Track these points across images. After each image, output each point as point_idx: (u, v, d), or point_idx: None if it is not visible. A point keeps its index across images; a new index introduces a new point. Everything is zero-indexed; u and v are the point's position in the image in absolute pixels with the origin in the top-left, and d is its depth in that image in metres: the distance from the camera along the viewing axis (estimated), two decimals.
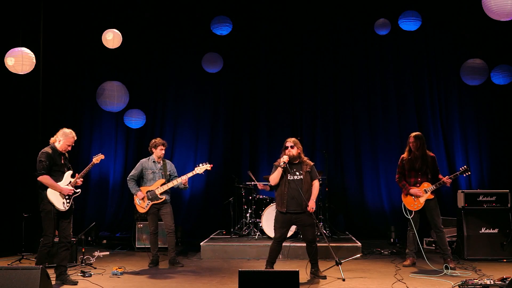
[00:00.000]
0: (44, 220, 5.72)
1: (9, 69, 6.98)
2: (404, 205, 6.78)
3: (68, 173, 5.91)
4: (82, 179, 5.89)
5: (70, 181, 5.88)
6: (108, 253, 8.28)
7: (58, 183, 5.78)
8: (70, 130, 5.85)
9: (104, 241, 9.32)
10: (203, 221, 9.84)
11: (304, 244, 6.21)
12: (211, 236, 8.68)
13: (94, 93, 8.66)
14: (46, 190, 5.68)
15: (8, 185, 8.23)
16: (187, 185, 6.99)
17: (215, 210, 9.89)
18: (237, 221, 8.89)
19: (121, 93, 8.54)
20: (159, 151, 6.98)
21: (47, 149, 5.74)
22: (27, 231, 7.77)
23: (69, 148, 5.81)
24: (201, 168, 6.92)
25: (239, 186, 8.83)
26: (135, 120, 9.24)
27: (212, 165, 7.00)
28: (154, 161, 7.02)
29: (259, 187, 8.71)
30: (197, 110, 10.09)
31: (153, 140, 7.06)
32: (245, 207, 8.74)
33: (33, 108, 8.35)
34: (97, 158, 6.14)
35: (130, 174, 6.97)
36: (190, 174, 6.95)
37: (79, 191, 5.86)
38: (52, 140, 5.86)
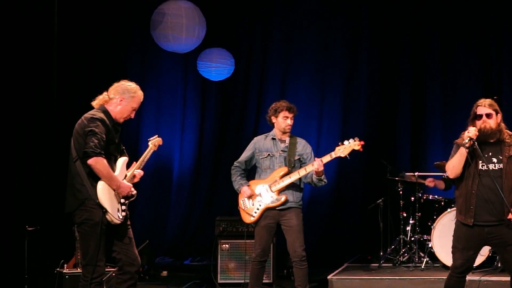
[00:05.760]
0: (86, 238, 5.38)
1: None
2: None
3: (123, 161, 5.66)
4: (141, 172, 5.76)
5: (126, 175, 5.63)
6: None
7: None
8: (135, 84, 5.67)
9: (164, 273, 9.09)
10: (332, 238, 9.74)
11: (507, 278, 6.23)
12: (346, 264, 8.52)
13: (145, 23, 8.69)
14: (97, 184, 5.33)
15: (2, 185, 8.45)
16: (322, 176, 6.61)
17: (351, 220, 9.79)
18: (390, 239, 8.75)
19: (193, 21, 8.38)
20: (281, 120, 6.76)
21: (99, 114, 5.44)
22: (33, 254, 7.71)
23: (132, 116, 5.67)
24: (345, 148, 6.52)
25: (394, 179, 8.64)
26: (217, 67, 9.07)
27: (363, 142, 6.57)
28: (274, 138, 6.86)
29: (428, 185, 8.49)
30: (324, 41, 9.98)
31: (274, 104, 6.90)
32: (404, 214, 8.51)
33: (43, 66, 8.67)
34: (154, 142, 5.89)
35: (237, 160, 6.96)
36: (327, 158, 6.56)
37: (135, 194, 5.66)
38: (100, 100, 5.57)
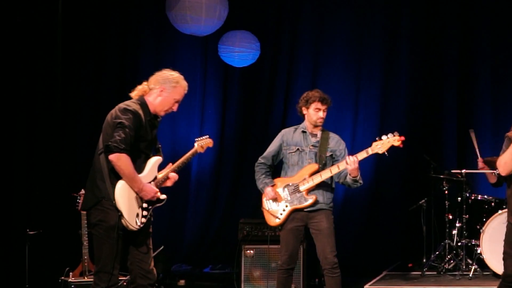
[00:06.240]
0: (100, 242, 5.23)
1: None
2: None
3: (154, 160, 5.48)
4: (176, 175, 5.62)
5: (156, 177, 5.46)
6: None
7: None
8: (178, 73, 5.50)
9: (182, 282, 8.89)
10: (369, 244, 9.45)
11: None
12: (384, 273, 8.39)
13: (160, 3, 8.56)
14: (116, 183, 5.17)
15: (1, 185, 8.24)
16: (358, 176, 6.38)
17: (391, 223, 9.52)
18: (434, 244, 8.60)
19: (214, 0, 8.28)
20: (313, 112, 6.63)
21: (134, 106, 5.31)
22: (35, 260, 7.62)
23: (175, 109, 5.53)
24: (383, 144, 6.30)
25: (438, 177, 8.48)
26: (241, 52, 8.91)
27: (403, 138, 6.35)
28: (304, 131, 6.74)
29: (479, 166, 8.36)
30: (360, 22, 9.68)
31: (305, 93, 6.79)
32: (450, 216, 8.36)
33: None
34: (201, 144, 5.86)
35: (261, 155, 6.81)
36: (363, 154, 6.36)
37: (164, 199, 5.49)
38: (139, 90, 5.45)
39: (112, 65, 9.47)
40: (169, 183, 5.62)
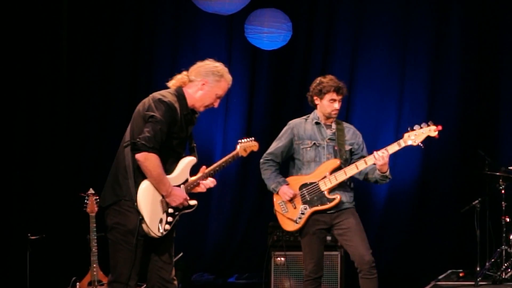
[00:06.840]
0: (115, 248, 4.98)
1: None
2: None
3: (187, 161, 5.25)
4: (213, 180, 5.39)
5: (187, 179, 5.21)
6: None
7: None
8: (223, 65, 5.28)
9: None
10: (415, 249, 9.23)
11: None
12: (433, 283, 8.17)
13: None
14: (141, 183, 4.95)
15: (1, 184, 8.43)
16: (387, 172, 6.24)
17: (440, 226, 9.30)
18: (489, 250, 8.40)
19: None
20: (327, 104, 6.37)
21: (170, 97, 5.11)
22: (37, 269, 7.62)
23: (216, 105, 5.36)
24: (417, 135, 6.14)
25: (494, 175, 8.31)
26: (270, 33, 8.79)
27: (440, 127, 6.13)
28: (318, 123, 6.49)
29: None
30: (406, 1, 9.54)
31: (318, 80, 6.50)
32: (507, 219, 8.22)
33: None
34: (245, 147, 5.51)
35: (267, 151, 6.51)
36: (394, 147, 6.18)
37: (194, 205, 5.17)
38: (178, 80, 5.23)
39: (125, 50, 9.39)
40: (200, 189, 5.40)
